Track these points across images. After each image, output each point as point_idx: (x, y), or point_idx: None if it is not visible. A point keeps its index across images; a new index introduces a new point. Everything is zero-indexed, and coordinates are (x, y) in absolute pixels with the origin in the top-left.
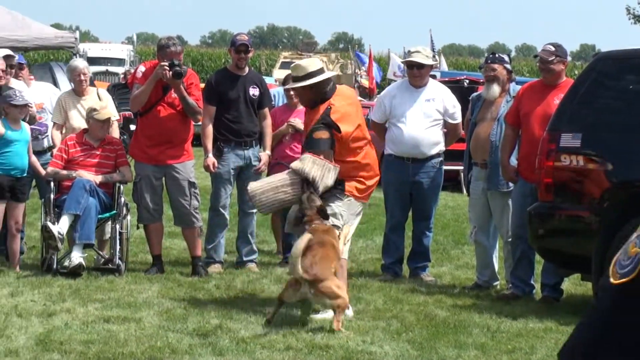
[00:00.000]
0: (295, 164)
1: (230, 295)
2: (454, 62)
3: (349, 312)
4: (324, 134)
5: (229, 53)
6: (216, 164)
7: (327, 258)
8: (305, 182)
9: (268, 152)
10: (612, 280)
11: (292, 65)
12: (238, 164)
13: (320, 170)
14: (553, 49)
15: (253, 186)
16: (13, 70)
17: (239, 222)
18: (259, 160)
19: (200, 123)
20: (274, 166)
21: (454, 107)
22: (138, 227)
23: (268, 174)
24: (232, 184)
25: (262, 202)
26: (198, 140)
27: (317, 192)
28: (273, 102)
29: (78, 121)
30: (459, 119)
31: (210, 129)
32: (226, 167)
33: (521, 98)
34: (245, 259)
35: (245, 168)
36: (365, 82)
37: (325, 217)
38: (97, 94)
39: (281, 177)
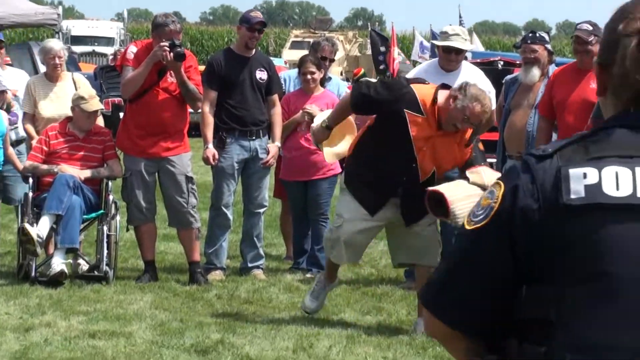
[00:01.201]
0: (475, 179)
1: (234, 305)
2: (487, 41)
3: None
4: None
5: (238, 31)
6: (217, 156)
7: None
8: None
9: (278, 143)
10: (466, 226)
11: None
12: (243, 157)
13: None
14: (591, 28)
15: (448, 193)
16: None
17: (243, 223)
18: (267, 153)
19: (199, 111)
20: (287, 160)
21: (489, 92)
22: (128, 229)
23: (277, 169)
24: (236, 180)
25: (460, 209)
26: (195, 131)
27: None
28: (283, 88)
29: (49, 111)
30: (493, 105)
31: (211, 117)
32: (229, 160)
33: (553, 85)
34: (250, 264)
35: (251, 161)
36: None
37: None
38: (73, 79)
39: (467, 186)
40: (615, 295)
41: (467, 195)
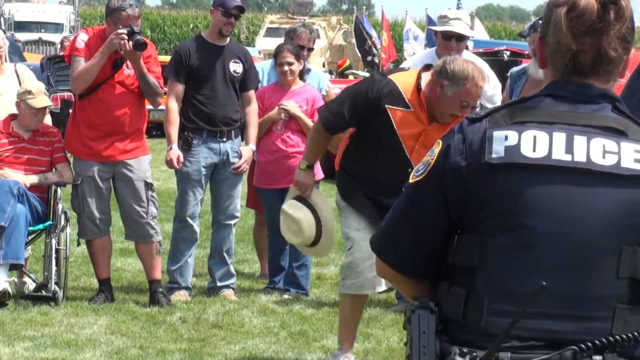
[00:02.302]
0: None
1: (200, 330)
2: (492, 28)
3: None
4: None
5: (211, 15)
6: (182, 159)
7: None
8: None
9: (252, 146)
10: (410, 181)
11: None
12: (211, 161)
13: None
14: None
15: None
16: None
17: (212, 237)
18: (240, 157)
19: (159, 108)
20: (261, 165)
21: (494, 87)
22: (79, 244)
23: (250, 175)
24: (203, 187)
25: None
26: (157, 130)
27: None
28: (259, 83)
29: None
30: (498, 102)
31: (176, 114)
32: (195, 165)
33: None
34: (219, 283)
35: (221, 166)
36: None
37: None
38: (16, 72)
39: None
40: (529, 246)
41: None
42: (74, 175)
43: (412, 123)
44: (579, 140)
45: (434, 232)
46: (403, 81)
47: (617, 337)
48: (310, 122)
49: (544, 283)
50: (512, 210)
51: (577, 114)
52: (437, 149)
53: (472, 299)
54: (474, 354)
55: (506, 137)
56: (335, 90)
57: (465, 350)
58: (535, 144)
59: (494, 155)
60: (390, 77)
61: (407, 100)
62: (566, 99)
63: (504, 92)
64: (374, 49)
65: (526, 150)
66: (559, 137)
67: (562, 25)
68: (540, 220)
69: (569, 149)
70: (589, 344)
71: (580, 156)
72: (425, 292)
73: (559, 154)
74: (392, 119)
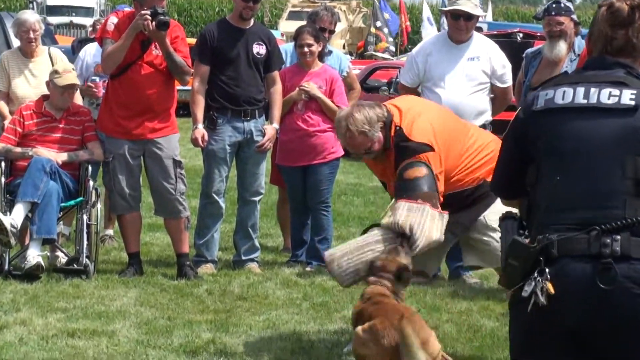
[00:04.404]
0: (385, 220)
1: (226, 302)
2: (504, 11)
3: None
4: (418, 172)
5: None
6: (206, 138)
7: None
8: (401, 237)
9: (276, 125)
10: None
11: None
12: (236, 139)
13: (420, 216)
14: None
15: (330, 251)
16: None
17: (237, 212)
18: (263, 135)
19: (188, 87)
20: (283, 143)
21: (504, 67)
22: (110, 218)
23: (273, 153)
24: (228, 165)
25: (342, 267)
26: (184, 110)
27: (414, 248)
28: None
29: (24, 89)
30: (509, 81)
31: (201, 94)
32: (221, 143)
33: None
34: (244, 257)
35: (245, 144)
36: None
37: (404, 282)
38: (49, 54)
39: (367, 235)
40: (562, 163)
41: (358, 246)
42: (106, 153)
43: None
44: (593, 90)
45: (517, 164)
46: None
47: (629, 219)
48: (329, 102)
49: (557, 178)
50: (551, 140)
51: (597, 75)
52: (519, 112)
53: (530, 210)
54: (538, 237)
55: (546, 94)
56: (356, 71)
57: (526, 233)
58: (564, 95)
59: (538, 106)
60: None
61: None
62: (593, 68)
63: (518, 72)
64: (373, 37)
65: (558, 100)
66: (580, 90)
67: (603, 19)
68: (568, 144)
69: (586, 96)
70: (608, 225)
71: (593, 99)
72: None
73: (579, 100)
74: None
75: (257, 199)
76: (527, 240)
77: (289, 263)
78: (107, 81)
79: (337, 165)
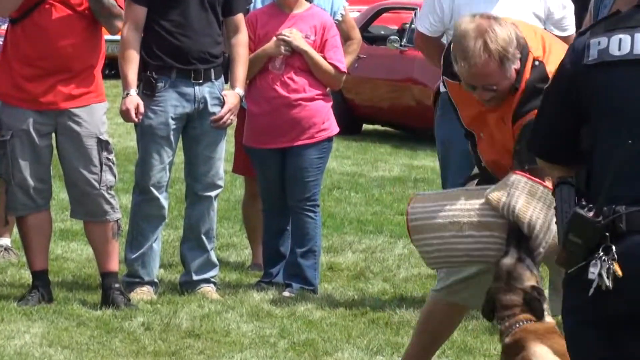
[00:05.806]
0: (495, 195)
1: (170, 341)
2: None
3: None
4: None
5: None
6: (142, 109)
7: None
8: (513, 233)
9: (239, 90)
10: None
11: None
12: (183, 111)
13: (546, 210)
14: None
15: (418, 210)
16: None
17: (185, 213)
18: (222, 104)
19: (118, 37)
20: (253, 117)
21: (564, 7)
22: (7, 222)
23: (238, 130)
24: (173, 147)
25: (432, 246)
26: (111, 69)
27: (534, 256)
28: (250, 5)
29: None
30: (570, 28)
31: (135, 48)
32: (161, 116)
33: None
34: (196, 277)
35: (197, 117)
36: None
37: (538, 312)
38: None
39: (468, 203)
40: (621, 125)
41: (454, 222)
42: (1, 129)
43: (467, 100)
44: None
45: (564, 124)
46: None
47: None
48: (320, 59)
49: (629, 142)
50: (610, 99)
51: None
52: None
53: (589, 173)
54: (604, 209)
55: (599, 43)
56: (354, 14)
57: (590, 206)
58: (621, 44)
59: (590, 59)
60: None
61: None
62: None
63: (584, 14)
64: None
65: (613, 50)
66: (639, 36)
67: None
68: (627, 104)
69: None
70: None
71: None
72: (569, 174)
73: (639, 50)
74: (450, 94)
75: (213, 194)
76: (590, 213)
77: (260, 285)
78: (6, 28)
79: (329, 148)
